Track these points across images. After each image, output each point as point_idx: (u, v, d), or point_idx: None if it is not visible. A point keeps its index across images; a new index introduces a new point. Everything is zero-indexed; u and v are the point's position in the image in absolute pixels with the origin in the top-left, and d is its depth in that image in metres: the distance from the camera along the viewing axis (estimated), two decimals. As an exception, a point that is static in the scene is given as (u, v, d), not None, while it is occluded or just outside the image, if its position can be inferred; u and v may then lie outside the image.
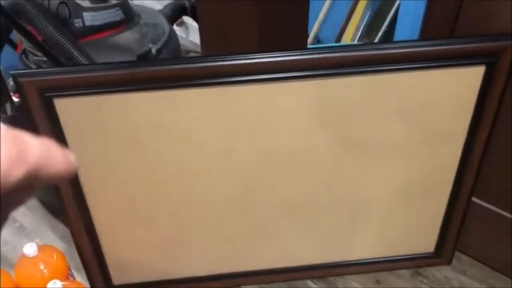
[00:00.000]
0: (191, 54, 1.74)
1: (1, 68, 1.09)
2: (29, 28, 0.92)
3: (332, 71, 0.72)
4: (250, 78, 0.72)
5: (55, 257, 0.87)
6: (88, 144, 0.75)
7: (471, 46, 0.71)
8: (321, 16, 1.50)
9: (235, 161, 0.80)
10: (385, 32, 1.39)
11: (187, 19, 1.61)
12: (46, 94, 0.68)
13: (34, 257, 0.84)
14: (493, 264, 0.97)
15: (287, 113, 0.76)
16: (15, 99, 1.10)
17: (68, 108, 0.71)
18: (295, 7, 0.87)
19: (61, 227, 1.16)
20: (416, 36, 0.86)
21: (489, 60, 0.71)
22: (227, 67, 0.71)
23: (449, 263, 1.02)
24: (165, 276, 0.93)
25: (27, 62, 1.06)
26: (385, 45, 0.73)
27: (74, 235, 0.84)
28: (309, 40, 1.50)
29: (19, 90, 0.66)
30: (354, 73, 0.72)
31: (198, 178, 0.81)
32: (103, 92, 0.70)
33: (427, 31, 0.79)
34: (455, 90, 0.75)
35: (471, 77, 0.74)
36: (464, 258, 1.01)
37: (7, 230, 1.14)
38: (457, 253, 0.99)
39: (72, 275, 0.92)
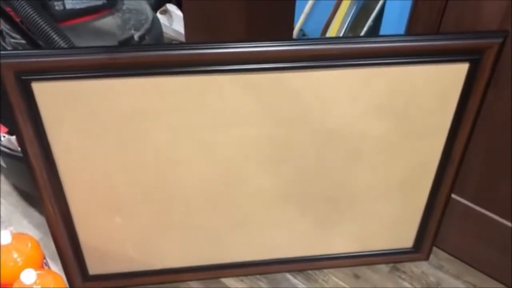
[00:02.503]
0: (174, 43, 1.72)
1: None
2: (7, 9, 0.89)
3: (317, 63, 0.71)
4: (235, 67, 0.71)
5: (29, 245, 0.85)
6: (66, 130, 0.73)
7: (456, 43, 0.71)
8: (306, 9, 1.49)
9: (218, 151, 0.79)
10: (371, 27, 1.39)
11: (170, 7, 1.58)
12: (23, 77, 0.66)
13: (7, 245, 0.82)
14: (469, 261, 0.98)
15: (271, 104, 0.75)
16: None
17: (46, 92, 0.69)
18: (281, -2, 0.86)
19: (36, 215, 1.13)
20: (402, 31, 0.86)
21: (473, 57, 0.72)
22: (211, 55, 0.70)
23: (427, 258, 1.03)
24: (142, 267, 0.92)
25: (3, 44, 1.03)
26: (370, 39, 0.73)
27: (50, 224, 0.82)
28: (294, 33, 1.49)
29: (-6, 72, 0.64)
30: (339, 66, 0.72)
31: (179, 169, 0.80)
32: (82, 77, 0.68)
33: (413, 26, 0.79)
34: (438, 86, 0.75)
35: (454, 74, 0.74)
36: (442, 254, 1.02)
37: (-20, 217, 1.11)
38: (434, 249, 1.00)
39: (46, 264, 0.90)
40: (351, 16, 1.45)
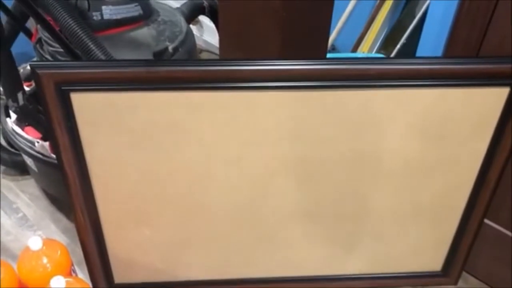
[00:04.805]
0: (204, 54, 1.73)
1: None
2: (47, 17, 0.91)
3: (351, 83, 0.71)
4: (269, 84, 0.71)
5: (59, 252, 0.86)
6: (101, 139, 0.74)
7: (496, 67, 0.69)
8: (339, 24, 1.49)
9: (248, 167, 0.79)
10: (404, 45, 1.38)
11: (202, 18, 1.60)
12: (63, 87, 0.67)
13: (38, 251, 0.83)
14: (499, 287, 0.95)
15: (304, 122, 0.74)
16: (26, 88, 1.09)
17: (84, 103, 0.70)
18: (318, 14, 0.86)
19: (64, 220, 1.15)
20: (440, 51, 0.85)
21: (515, 82, 0.70)
22: (246, 72, 0.70)
23: (455, 283, 1.00)
24: (167, 278, 0.92)
25: (41, 52, 1.05)
26: (407, 61, 0.71)
27: (79, 231, 0.83)
28: (325, 48, 1.48)
29: (36, 81, 0.65)
30: (374, 86, 0.71)
31: (209, 183, 0.80)
32: (120, 89, 0.68)
33: (452, 48, 0.78)
34: (476, 110, 0.73)
35: (494, 98, 0.72)
36: (471, 279, 0.99)
37: (9, 220, 1.13)
38: (463, 274, 0.98)
39: (74, 271, 0.91)
40: (384, 34, 1.44)
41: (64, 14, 0.86)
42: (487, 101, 0.73)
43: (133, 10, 1.00)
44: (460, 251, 0.91)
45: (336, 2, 0.85)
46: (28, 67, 1.21)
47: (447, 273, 0.96)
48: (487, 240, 0.91)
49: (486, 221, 0.89)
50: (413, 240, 0.91)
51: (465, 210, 0.86)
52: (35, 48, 1.09)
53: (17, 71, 1.04)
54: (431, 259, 0.95)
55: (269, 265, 0.94)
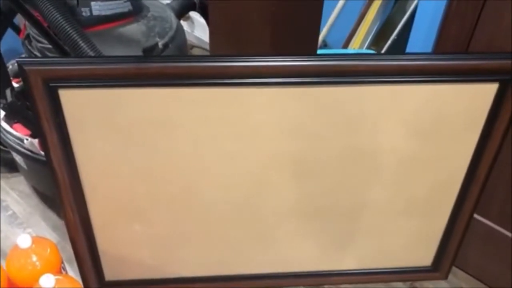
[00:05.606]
0: (195, 49, 1.73)
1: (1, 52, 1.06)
2: (35, 13, 0.90)
3: (342, 79, 0.71)
4: (259, 81, 0.71)
5: (48, 250, 0.85)
6: (90, 136, 0.73)
7: (486, 63, 0.70)
8: (330, 20, 1.49)
9: (241, 164, 0.79)
10: (395, 41, 1.38)
11: (193, 14, 1.59)
12: (51, 84, 0.66)
13: (27, 249, 0.82)
14: (489, 282, 0.96)
15: (296, 119, 0.74)
16: (15, 84, 1.08)
17: (72, 99, 0.69)
18: (308, 10, 0.86)
19: (54, 217, 1.14)
20: (430, 46, 0.85)
21: (503, 77, 0.70)
22: (237, 68, 0.70)
23: (445, 277, 1.01)
24: (159, 275, 0.92)
25: (30, 48, 1.04)
26: (398, 56, 0.72)
27: (69, 229, 0.82)
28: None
29: (24, 78, 0.65)
30: (366, 83, 0.71)
31: (202, 179, 0.80)
32: (109, 85, 0.68)
33: (442, 44, 0.78)
34: (466, 105, 0.74)
35: (483, 94, 0.73)
36: (461, 273, 1.00)
37: (-1, 218, 1.12)
38: (454, 269, 0.99)
39: (64, 269, 0.90)
40: (375, 29, 1.44)
41: (52, 10, 0.85)
42: (476, 97, 0.73)
43: (122, 6, 0.99)
44: (450, 246, 0.92)
45: (326, -2, 0.85)
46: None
47: (437, 268, 0.96)
48: (477, 236, 0.92)
49: (476, 216, 0.90)
50: (404, 235, 0.92)
51: (455, 205, 0.86)
52: (23, 44, 1.08)
53: (5, 67, 1.03)
54: (422, 254, 0.96)
55: (263, 261, 0.94)
